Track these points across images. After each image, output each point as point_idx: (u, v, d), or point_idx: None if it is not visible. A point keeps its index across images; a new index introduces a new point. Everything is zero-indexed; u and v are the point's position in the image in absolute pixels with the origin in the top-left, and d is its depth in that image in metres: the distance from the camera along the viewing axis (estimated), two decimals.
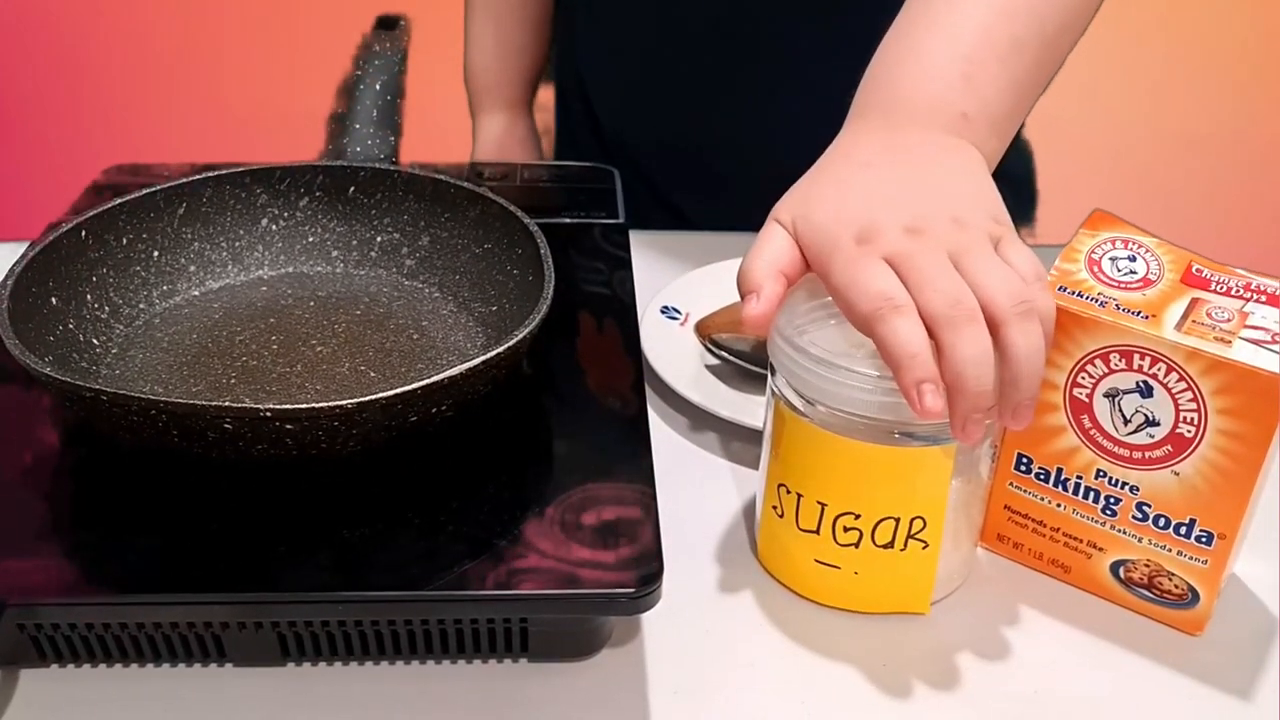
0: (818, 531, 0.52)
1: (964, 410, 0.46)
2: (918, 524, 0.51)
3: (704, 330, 0.70)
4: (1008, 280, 0.47)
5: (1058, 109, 0.92)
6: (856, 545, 0.52)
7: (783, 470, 0.52)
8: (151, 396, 0.47)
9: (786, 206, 0.53)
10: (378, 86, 0.68)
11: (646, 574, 0.47)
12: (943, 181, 0.52)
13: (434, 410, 0.51)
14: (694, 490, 0.61)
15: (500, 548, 0.49)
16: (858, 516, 0.51)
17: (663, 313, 0.72)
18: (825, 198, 0.52)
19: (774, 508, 0.53)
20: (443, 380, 0.49)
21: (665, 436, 0.65)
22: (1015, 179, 0.95)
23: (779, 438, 0.52)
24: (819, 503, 0.51)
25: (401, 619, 0.49)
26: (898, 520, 0.51)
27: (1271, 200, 1.55)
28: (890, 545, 0.52)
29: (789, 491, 0.52)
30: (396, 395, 0.48)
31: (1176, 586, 0.53)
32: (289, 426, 0.47)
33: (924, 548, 0.52)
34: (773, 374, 0.52)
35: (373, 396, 0.48)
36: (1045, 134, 0.91)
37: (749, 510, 0.60)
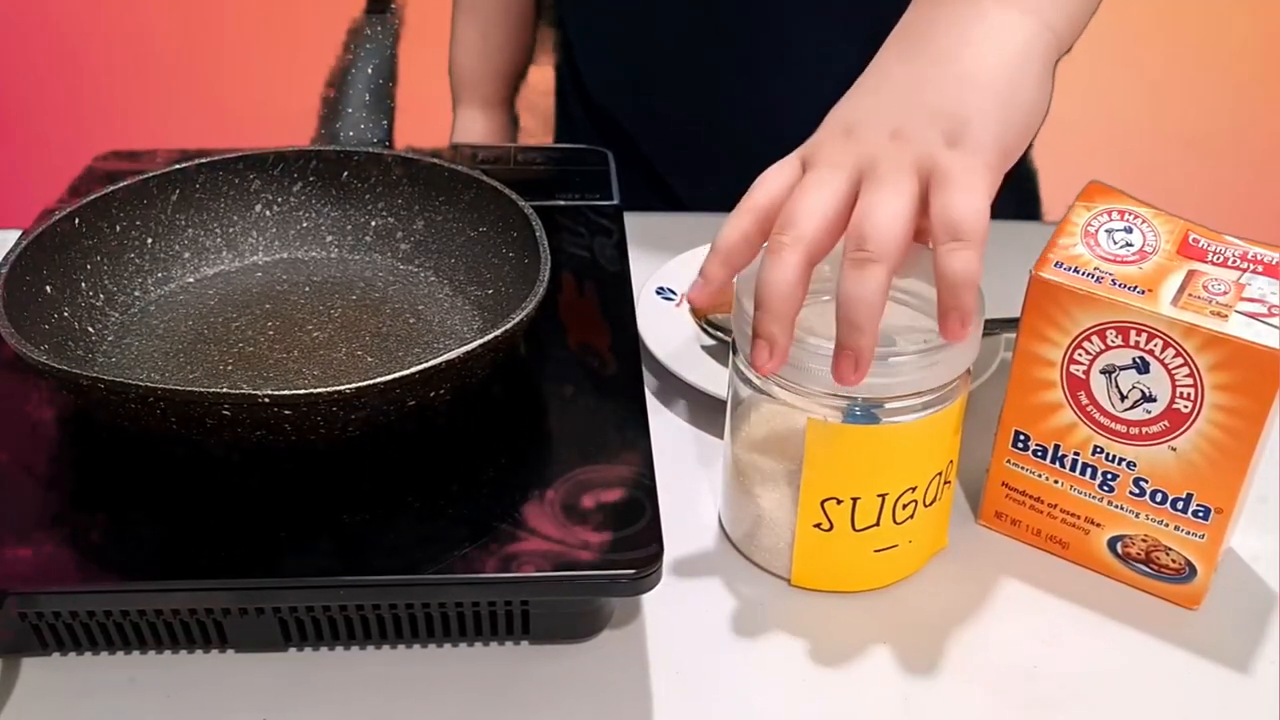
0: (878, 524, 0.52)
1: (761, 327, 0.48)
2: (949, 468, 0.53)
3: (699, 311, 0.70)
4: (875, 225, 0.46)
5: (1057, 109, 0.92)
6: (913, 516, 0.52)
7: (830, 484, 0.51)
8: (149, 384, 0.47)
9: None
10: (370, 70, 0.68)
11: (646, 555, 0.48)
12: (924, 74, 0.50)
13: (432, 394, 0.51)
14: (692, 470, 0.61)
15: (500, 530, 0.49)
16: (914, 489, 0.52)
17: (658, 294, 0.72)
18: (851, 93, 0.53)
19: (817, 526, 0.52)
20: (440, 364, 0.49)
21: (662, 417, 0.65)
22: (1023, 192, 0.94)
23: (820, 456, 0.50)
24: (879, 495, 0.51)
25: (403, 603, 0.49)
26: (940, 473, 0.52)
27: (1272, 200, 1.55)
28: (936, 500, 0.53)
29: (840, 502, 0.51)
30: (394, 380, 0.48)
31: (1174, 561, 0.53)
32: (287, 412, 0.47)
33: (948, 484, 0.54)
34: (781, 394, 0.51)
35: (371, 381, 0.48)
36: (1045, 134, 0.90)
37: None
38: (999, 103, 0.50)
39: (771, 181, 0.50)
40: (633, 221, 0.72)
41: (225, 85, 1.53)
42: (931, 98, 0.49)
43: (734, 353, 0.53)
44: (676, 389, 0.66)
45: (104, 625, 0.49)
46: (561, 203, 0.73)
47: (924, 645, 0.52)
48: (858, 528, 0.52)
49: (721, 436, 0.57)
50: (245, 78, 1.51)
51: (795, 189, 0.49)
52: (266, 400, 0.47)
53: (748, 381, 0.52)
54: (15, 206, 0.74)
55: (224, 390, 0.47)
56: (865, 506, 0.51)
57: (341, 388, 0.47)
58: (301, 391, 0.47)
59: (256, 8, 1.51)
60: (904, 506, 0.52)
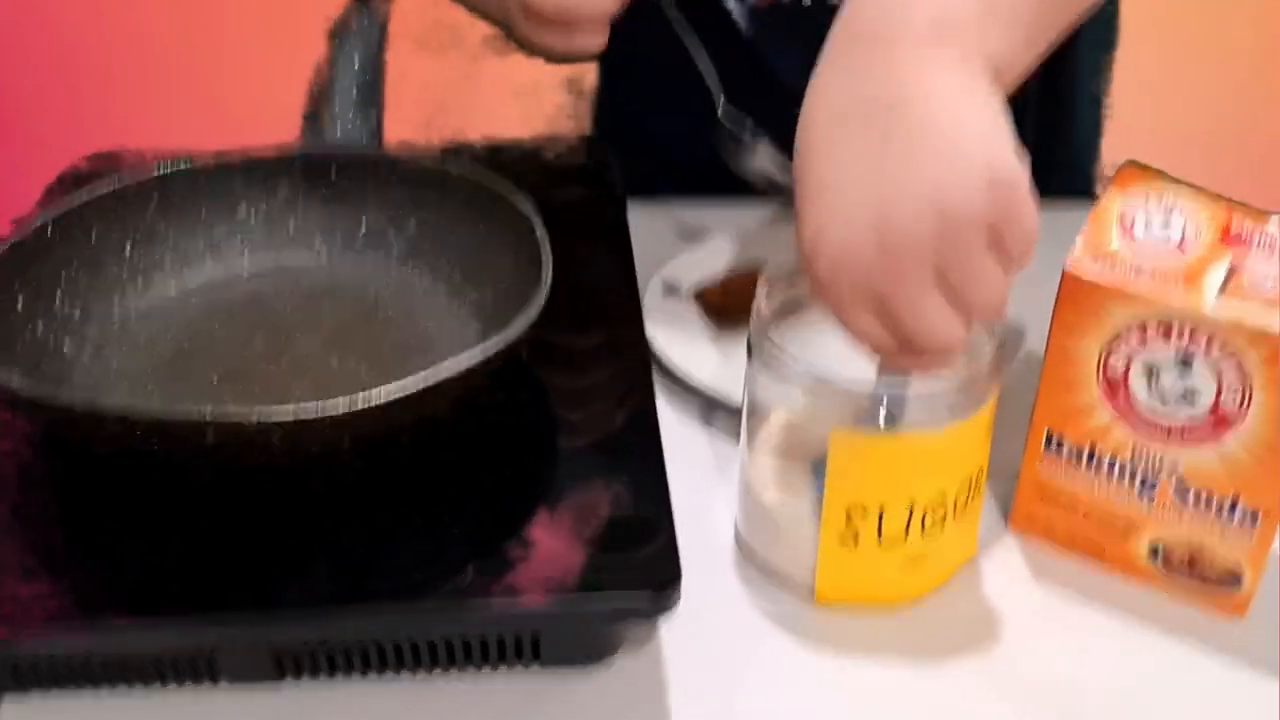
0: (906, 535, 0.49)
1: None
2: (979, 474, 0.51)
3: (704, 300, 0.67)
4: (989, 303, 0.43)
5: None
6: (943, 526, 0.50)
7: (855, 496, 0.48)
8: (126, 408, 0.44)
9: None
10: (356, 64, 0.65)
11: (663, 578, 0.45)
12: (918, 139, 0.43)
13: (430, 410, 0.48)
14: (706, 478, 0.59)
15: (506, 553, 0.46)
16: (944, 497, 0.49)
17: (664, 290, 0.69)
18: (806, 211, 0.45)
19: (842, 540, 0.49)
20: (439, 380, 0.46)
21: (674, 422, 0.62)
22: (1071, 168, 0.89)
23: (845, 467, 0.48)
24: (907, 506, 0.48)
25: (404, 633, 0.46)
26: (971, 480, 0.50)
27: (1272, 201, 1.53)
28: (966, 508, 0.51)
29: (866, 514, 0.48)
30: (390, 401, 0.45)
31: (1219, 568, 0.51)
32: (275, 435, 0.44)
33: (977, 489, 0.51)
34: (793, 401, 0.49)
35: (365, 404, 0.45)
36: None
37: None
38: (999, 128, 0.44)
39: (866, 338, 0.45)
40: (637, 212, 0.69)
41: (205, 84, 1.49)
42: (943, 158, 0.42)
43: (750, 356, 0.50)
44: (687, 391, 0.63)
45: (86, 663, 0.46)
46: (561, 197, 0.69)
47: (956, 662, 0.50)
48: (885, 540, 0.49)
49: (736, 440, 0.55)
50: (226, 74, 1.48)
51: (907, 333, 0.43)
52: (254, 423, 0.44)
53: (765, 386, 0.49)
54: None
55: (208, 413, 0.44)
56: (893, 518, 0.48)
57: (334, 408, 0.44)
58: (291, 413, 0.44)
59: (235, 2, 1.48)
60: (934, 517, 0.49)
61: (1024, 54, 0.48)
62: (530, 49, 0.58)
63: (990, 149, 0.42)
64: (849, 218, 0.43)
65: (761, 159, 0.62)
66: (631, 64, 0.85)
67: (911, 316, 0.43)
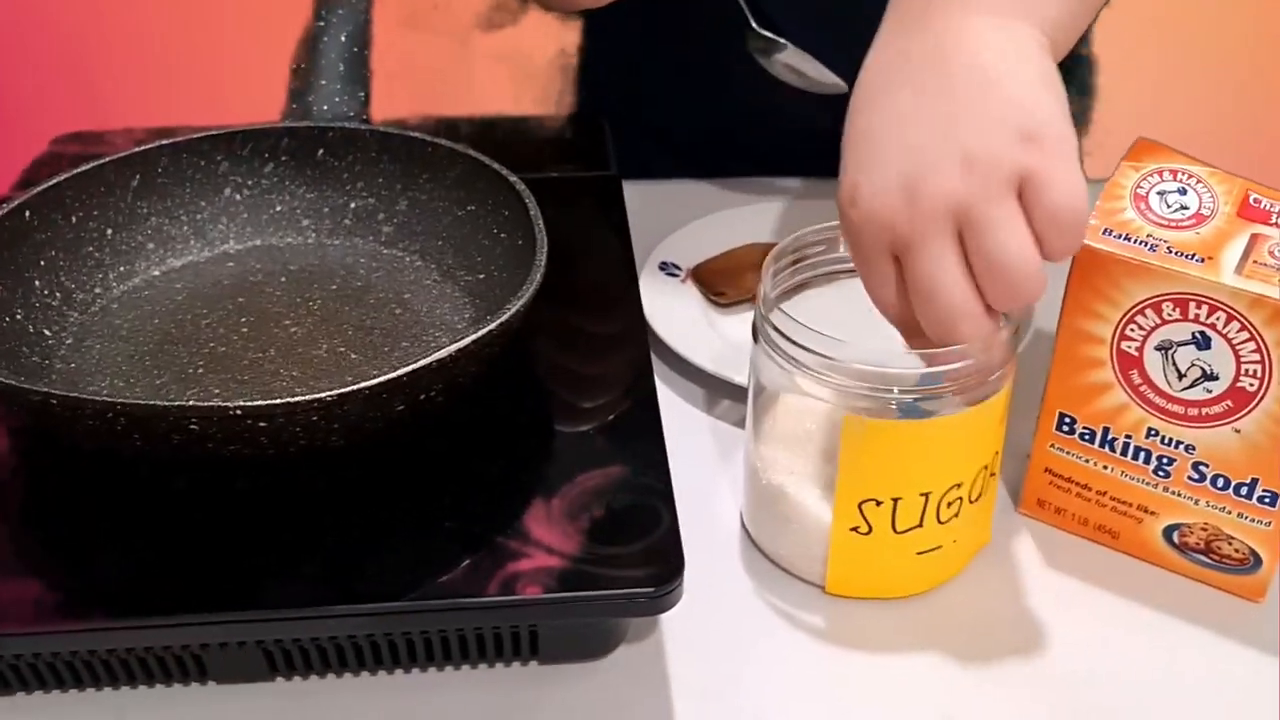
0: (921, 524, 0.48)
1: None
2: (995, 460, 0.49)
3: (702, 278, 0.65)
4: (1013, 274, 0.41)
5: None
6: (958, 515, 0.48)
7: (869, 485, 0.47)
8: (107, 399, 0.42)
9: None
10: (343, 37, 0.63)
11: (665, 570, 0.43)
12: (947, 91, 0.43)
13: (422, 396, 0.46)
14: (709, 465, 0.57)
15: (502, 546, 0.45)
16: (959, 485, 0.47)
17: (662, 269, 0.67)
18: (847, 160, 0.45)
19: (854, 529, 0.48)
20: (431, 364, 0.44)
21: (674, 407, 0.60)
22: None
23: (858, 455, 0.46)
24: (922, 495, 0.47)
25: (398, 631, 0.44)
26: (986, 466, 0.48)
27: None
28: (981, 496, 0.49)
29: (879, 503, 0.47)
30: (380, 384, 0.43)
31: (1237, 551, 0.49)
32: (262, 424, 0.43)
33: (993, 476, 0.50)
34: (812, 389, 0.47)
35: (354, 387, 0.43)
36: None
37: None
38: (1047, 85, 0.43)
39: (881, 294, 0.44)
40: (633, 190, 0.67)
41: (186, 58, 1.46)
42: (978, 108, 0.42)
43: (755, 338, 0.48)
44: (687, 373, 0.62)
45: (70, 664, 0.45)
46: (555, 175, 0.68)
47: (969, 654, 0.48)
48: (899, 530, 0.48)
49: (741, 425, 0.53)
50: (207, 47, 1.45)
51: (916, 285, 0.42)
52: (238, 412, 0.42)
53: (772, 370, 0.48)
54: None
55: (190, 403, 0.42)
56: (907, 507, 0.47)
57: (321, 395, 0.43)
58: (277, 401, 0.42)
59: None
60: (948, 505, 0.47)
61: (1077, 22, 0.48)
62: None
63: (1030, 103, 0.42)
64: (884, 166, 0.43)
65: (790, 55, 0.68)
66: (621, 39, 0.83)
67: (925, 266, 0.42)
